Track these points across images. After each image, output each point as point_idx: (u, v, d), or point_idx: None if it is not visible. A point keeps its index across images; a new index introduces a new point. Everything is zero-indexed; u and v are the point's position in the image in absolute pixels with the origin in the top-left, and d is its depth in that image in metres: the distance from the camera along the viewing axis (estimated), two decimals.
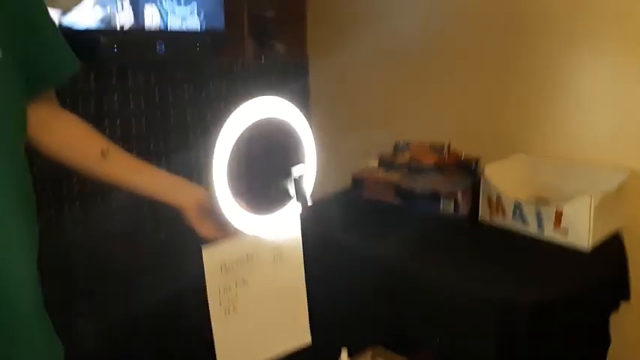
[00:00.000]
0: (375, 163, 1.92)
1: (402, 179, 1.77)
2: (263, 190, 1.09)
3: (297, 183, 0.98)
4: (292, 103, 1.14)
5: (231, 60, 1.93)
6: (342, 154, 1.93)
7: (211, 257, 1.01)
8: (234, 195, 1.01)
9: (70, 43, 0.90)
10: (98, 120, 1.56)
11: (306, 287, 1.15)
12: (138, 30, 1.62)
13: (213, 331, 1.06)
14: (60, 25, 1.46)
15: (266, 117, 1.09)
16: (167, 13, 1.71)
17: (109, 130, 1.59)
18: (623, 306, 1.45)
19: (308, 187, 1.01)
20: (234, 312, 1.07)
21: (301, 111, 1.14)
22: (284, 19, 2.17)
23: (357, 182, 1.86)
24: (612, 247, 1.44)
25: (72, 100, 1.50)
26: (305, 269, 1.15)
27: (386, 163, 1.89)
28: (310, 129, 1.13)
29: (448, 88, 1.95)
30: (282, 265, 1.12)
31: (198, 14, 1.82)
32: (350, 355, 1.30)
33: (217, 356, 1.07)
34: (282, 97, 1.22)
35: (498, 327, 1.17)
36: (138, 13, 1.63)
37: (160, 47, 1.59)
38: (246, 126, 1.02)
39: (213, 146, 0.98)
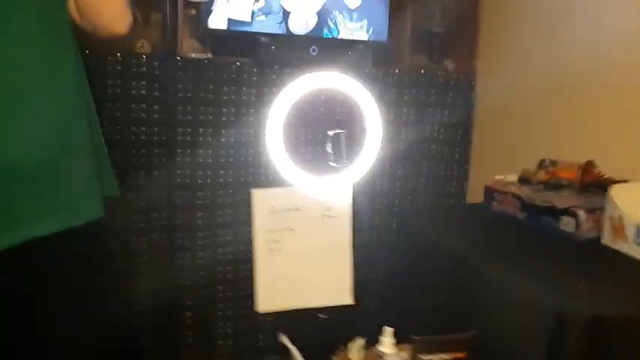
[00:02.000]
0: (514, 178, 1.84)
1: (531, 194, 1.67)
2: (322, 156, 1.22)
3: (334, 140, 1.10)
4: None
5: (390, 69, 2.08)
6: (497, 168, 1.91)
7: (259, 199, 1.18)
8: (290, 151, 1.18)
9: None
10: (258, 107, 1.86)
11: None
12: (295, 35, 1.89)
13: (256, 269, 1.22)
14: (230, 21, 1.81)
15: (331, 89, 1.23)
16: (337, 27, 1.95)
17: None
18: None
19: (345, 147, 1.12)
20: (278, 252, 1.22)
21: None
22: (454, 36, 2.24)
23: (489, 193, 1.81)
24: None
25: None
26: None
27: (525, 179, 1.80)
28: (375, 105, 1.24)
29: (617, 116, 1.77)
30: (329, 223, 1.24)
31: (367, 30, 2.02)
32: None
33: (257, 295, 1.24)
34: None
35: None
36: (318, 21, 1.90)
37: (313, 49, 1.84)
38: (305, 94, 1.19)
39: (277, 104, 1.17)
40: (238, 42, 1.88)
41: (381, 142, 1.20)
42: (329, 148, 1.12)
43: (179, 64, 1.74)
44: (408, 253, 1.41)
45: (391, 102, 2.10)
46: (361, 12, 1.96)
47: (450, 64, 2.29)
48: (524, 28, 2.14)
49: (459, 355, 1.10)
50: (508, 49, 2.22)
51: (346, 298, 1.22)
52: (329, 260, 1.21)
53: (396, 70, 2.10)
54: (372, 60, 2.06)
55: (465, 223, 1.72)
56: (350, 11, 1.94)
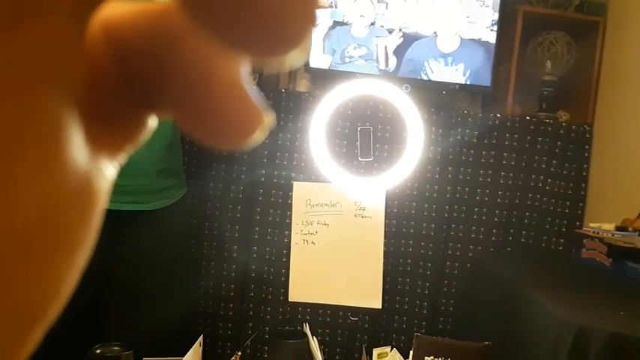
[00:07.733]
0: (610, 227, 1.68)
1: (619, 238, 1.52)
2: (363, 159, 1.30)
3: (362, 136, 1.19)
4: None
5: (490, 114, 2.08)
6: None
7: (299, 191, 1.30)
8: (330, 149, 1.29)
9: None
10: None
11: None
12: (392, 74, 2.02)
13: (290, 258, 1.31)
14: None
15: (377, 97, 1.33)
16: (431, 69, 2.05)
17: None
18: None
19: (371, 144, 1.19)
20: (311, 244, 1.30)
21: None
22: (569, 87, 2.17)
23: (575, 239, 1.68)
24: None
25: None
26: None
27: (622, 227, 1.64)
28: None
29: None
30: (362, 224, 1.29)
31: (464, 73, 2.08)
32: None
33: (290, 284, 1.32)
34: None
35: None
36: (400, 64, 2.04)
37: (406, 87, 1.94)
38: (346, 100, 1.30)
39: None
40: (336, 78, 2.06)
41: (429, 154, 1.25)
42: (358, 145, 1.21)
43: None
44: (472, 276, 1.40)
45: (491, 145, 2.08)
46: (457, 56, 2.03)
47: (563, 114, 2.20)
48: None
49: None
50: (632, 104, 2.07)
51: (376, 302, 1.25)
52: (360, 261, 1.27)
53: (498, 115, 2.09)
54: (476, 103, 2.11)
55: (539, 263, 1.62)
56: (444, 55, 2.03)
